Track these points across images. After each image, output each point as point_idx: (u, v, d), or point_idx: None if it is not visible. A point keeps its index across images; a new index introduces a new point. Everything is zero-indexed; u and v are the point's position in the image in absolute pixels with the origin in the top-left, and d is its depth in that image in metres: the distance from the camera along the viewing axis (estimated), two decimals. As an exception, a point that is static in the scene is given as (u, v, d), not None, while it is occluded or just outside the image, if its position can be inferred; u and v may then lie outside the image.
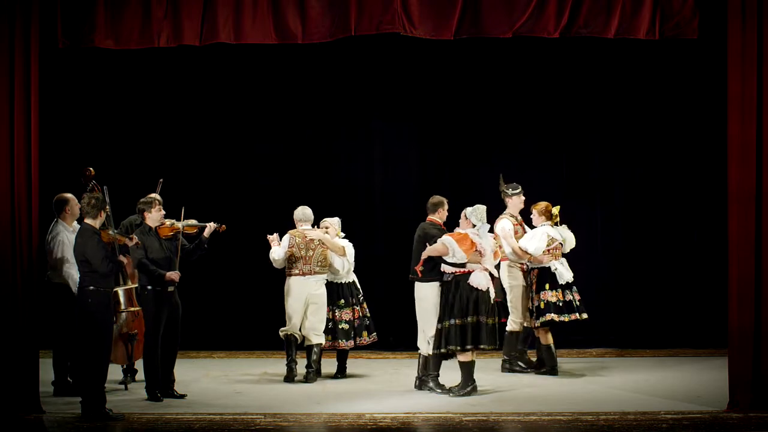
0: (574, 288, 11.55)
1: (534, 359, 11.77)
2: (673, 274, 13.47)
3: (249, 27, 9.87)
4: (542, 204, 11.75)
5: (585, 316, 11.55)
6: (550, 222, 11.67)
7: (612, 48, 12.03)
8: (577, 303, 11.54)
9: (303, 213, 11.37)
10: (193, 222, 10.59)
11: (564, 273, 11.52)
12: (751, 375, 9.58)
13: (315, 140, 13.66)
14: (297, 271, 11.22)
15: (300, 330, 11.27)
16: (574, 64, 13.26)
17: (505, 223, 11.64)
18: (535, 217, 11.74)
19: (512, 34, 9.86)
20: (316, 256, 11.25)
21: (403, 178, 13.68)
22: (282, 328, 11.29)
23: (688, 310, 13.43)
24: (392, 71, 13.41)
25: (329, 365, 11.65)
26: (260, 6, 9.84)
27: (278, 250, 11.22)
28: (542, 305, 11.48)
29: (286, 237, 11.24)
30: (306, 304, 11.22)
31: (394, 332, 13.43)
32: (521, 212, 11.86)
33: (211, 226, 10.57)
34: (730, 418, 9.38)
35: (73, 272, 10.23)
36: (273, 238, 11.32)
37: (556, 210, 11.76)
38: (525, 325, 11.71)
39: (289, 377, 11.20)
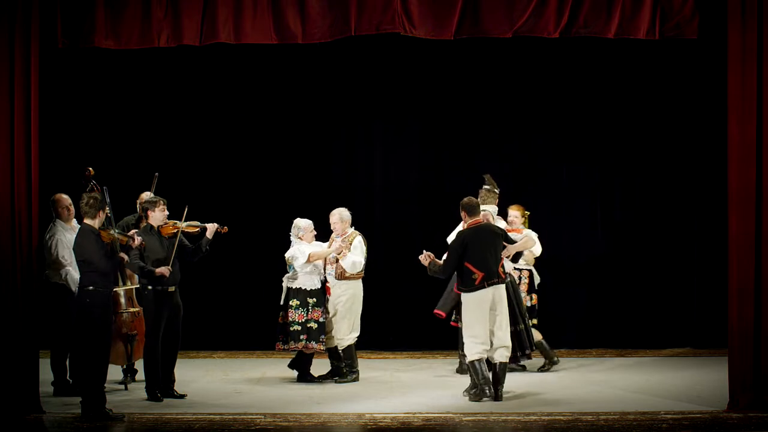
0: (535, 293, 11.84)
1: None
2: (673, 274, 13.47)
3: (249, 27, 9.87)
4: (520, 206, 11.78)
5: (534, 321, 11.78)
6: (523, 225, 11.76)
7: (612, 48, 12.03)
8: None
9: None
10: (195, 222, 10.59)
11: (538, 277, 11.73)
12: (751, 375, 9.58)
13: (315, 140, 13.65)
14: (363, 274, 11.31)
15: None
16: (574, 64, 13.26)
17: (504, 224, 11.65)
18: (517, 218, 11.75)
19: (512, 34, 9.87)
20: None
21: (403, 178, 13.67)
22: (353, 335, 11.26)
23: (687, 310, 13.43)
24: (392, 71, 13.40)
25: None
26: (260, 6, 9.84)
27: (361, 254, 11.19)
28: (537, 306, 11.63)
29: (362, 240, 11.25)
30: None
31: (394, 332, 13.43)
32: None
33: (212, 227, 10.56)
34: (730, 418, 9.38)
35: (73, 272, 10.23)
36: (341, 244, 11.24)
37: (527, 212, 11.84)
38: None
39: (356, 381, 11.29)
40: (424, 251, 10.34)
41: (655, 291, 13.48)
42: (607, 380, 11.30)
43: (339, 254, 11.14)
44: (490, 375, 10.16)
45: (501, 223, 11.60)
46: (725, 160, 9.72)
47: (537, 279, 11.82)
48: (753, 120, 9.56)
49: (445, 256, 10.42)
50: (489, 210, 10.87)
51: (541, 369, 11.69)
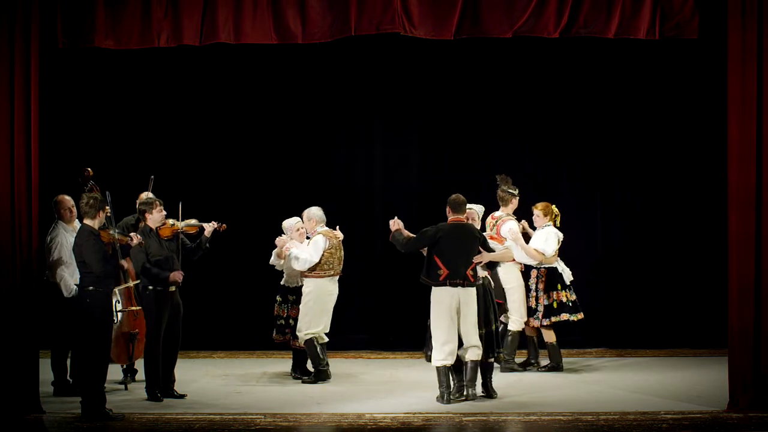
0: (572, 288, 11.70)
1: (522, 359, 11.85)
2: (673, 274, 13.47)
3: (249, 27, 9.87)
4: (545, 204, 11.77)
5: (582, 315, 11.69)
6: (551, 222, 11.71)
7: (612, 48, 12.03)
8: (577, 303, 11.67)
9: (322, 213, 11.31)
10: (194, 222, 10.60)
11: (569, 273, 11.65)
12: (751, 375, 9.59)
13: (315, 140, 13.65)
14: (333, 272, 11.17)
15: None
16: (575, 64, 13.26)
17: (512, 225, 11.63)
18: (539, 217, 11.75)
19: (512, 34, 9.87)
20: (343, 256, 11.27)
21: (403, 179, 13.67)
22: (308, 332, 11.08)
23: (687, 310, 13.43)
24: (392, 71, 13.40)
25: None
26: (260, 6, 9.84)
27: (310, 251, 11.11)
28: (555, 305, 11.58)
29: (321, 238, 11.12)
30: (333, 303, 11.24)
31: (393, 332, 13.43)
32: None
33: (211, 226, 10.57)
34: (730, 418, 9.39)
35: (65, 275, 10.26)
36: (286, 240, 11.20)
37: (556, 209, 11.80)
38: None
39: (324, 379, 11.14)
40: (396, 218, 10.39)
41: (656, 291, 13.47)
42: (607, 380, 11.30)
43: (281, 249, 11.16)
44: (455, 380, 10.22)
45: (509, 224, 11.59)
46: (725, 160, 9.72)
47: (567, 276, 11.71)
48: (753, 120, 9.57)
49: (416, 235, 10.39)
50: (475, 209, 10.84)
51: (541, 368, 11.68)
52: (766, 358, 9.57)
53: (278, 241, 11.25)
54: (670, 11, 9.70)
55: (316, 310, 11.11)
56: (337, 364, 11.79)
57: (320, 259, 11.08)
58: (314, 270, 11.12)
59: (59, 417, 9.61)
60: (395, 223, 10.40)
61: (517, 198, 11.82)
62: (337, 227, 11.38)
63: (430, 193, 13.43)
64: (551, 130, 13.53)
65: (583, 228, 13.49)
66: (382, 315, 13.46)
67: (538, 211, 11.77)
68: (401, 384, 11.21)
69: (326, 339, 11.26)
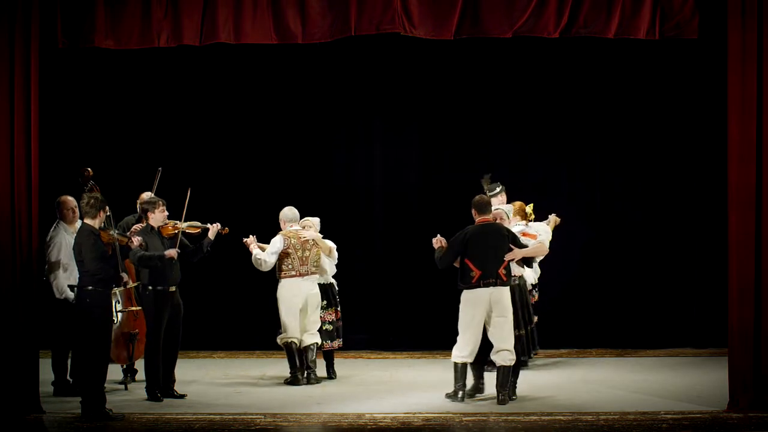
0: (536, 291, 11.63)
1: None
2: (673, 274, 13.47)
3: (249, 27, 9.88)
4: (516, 204, 11.72)
5: (534, 319, 11.65)
6: (524, 221, 11.66)
7: (612, 48, 12.03)
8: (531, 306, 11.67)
9: (292, 213, 11.24)
10: (196, 223, 10.59)
11: (531, 276, 11.57)
12: (751, 375, 9.58)
13: (315, 141, 13.65)
14: (294, 273, 11.06)
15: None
16: (575, 64, 13.26)
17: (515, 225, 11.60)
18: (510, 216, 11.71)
19: (512, 34, 9.87)
20: (312, 256, 11.19)
21: (403, 178, 13.67)
22: (282, 336, 11.10)
23: (688, 310, 13.43)
24: (392, 71, 13.41)
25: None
26: (260, 6, 9.84)
27: (268, 252, 11.08)
28: None
29: (278, 239, 11.07)
30: (305, 305, 11.15)
31: (394, 332, 13.43)
32: None
33: (214, 229, 10.54)
34: (730, 418, 9.38)
35: (60, 276, 10.24)
36: (251, 241, 11.17)
37: (529, 208, 11.74)
38: None
39: (295, 384, 11.03)
40: (438, 236, 10.20)
41: (655, 291, 13.47)
42: (607, 380, 11.30)
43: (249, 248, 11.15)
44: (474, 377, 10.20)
45: (512, 224, 11.56)
46: (725, 160, 9.72)
47: (528, 277, 11.65)
48: (753, 120, 9.57)
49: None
50: (503, 209, 10.78)
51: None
52: (766, 358, 9.57)
53: (245, 241, 11.18)
54: (670, 11, 9.70)
55: (284, 313, 11.04)
56: (337, 364, 11.77)
57: (278, 260, 11.03)
58: (276, 271, 11.10)
59: (59, 417, 9.62)
60: (438, 241, 10.20)
61: (501, 194, 11.67)
62: (305, 227, 11.21)
63: (430, 193, 13.45)
64: (551, 130, 13.52)
65: (583, 227, 13.49)
66: (382, 315, 13.46)
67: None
68: (401, 384, 11.21)
69: (312, 341, 11.11)
